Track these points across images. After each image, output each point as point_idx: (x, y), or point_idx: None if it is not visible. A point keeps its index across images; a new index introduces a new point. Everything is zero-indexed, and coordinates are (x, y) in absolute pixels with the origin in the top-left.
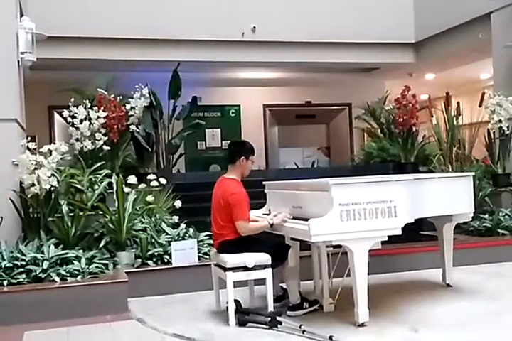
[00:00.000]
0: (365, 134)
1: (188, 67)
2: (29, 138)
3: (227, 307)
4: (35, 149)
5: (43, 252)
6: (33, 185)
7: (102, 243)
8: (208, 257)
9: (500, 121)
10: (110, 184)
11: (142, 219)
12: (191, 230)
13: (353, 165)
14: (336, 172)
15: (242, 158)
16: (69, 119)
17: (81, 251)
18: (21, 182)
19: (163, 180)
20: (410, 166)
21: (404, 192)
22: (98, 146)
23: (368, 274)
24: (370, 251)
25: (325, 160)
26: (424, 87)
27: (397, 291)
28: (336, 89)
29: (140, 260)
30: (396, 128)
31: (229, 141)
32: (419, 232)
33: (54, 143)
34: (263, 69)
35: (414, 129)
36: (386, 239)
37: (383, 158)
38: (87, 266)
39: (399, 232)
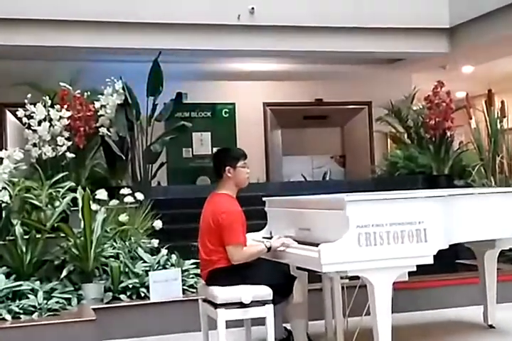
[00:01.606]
0: (389, 140)
1: (172, 56)
2: None
3: None
4: None
5: None
6: None
7: (64, 272)
8: (194, 291)
9: None
10: (75, 200)
11: (114, 244)
12: (174, 257)
13: (374, 178)
14: (353, 186)
15: (227, 168)
16: (24, 120)
17: (38, 282)
18: None
19: (139, 196)
20: (444, 179)
21: (437, 212)
22: (60, 153)
23: (392, 312)
24: (394, 283)
25: (339, 172)
26: (460, 83)
27: (427, 334)
28: (353, 84)
29: (111, 294)
30: (426, 132)
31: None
32: (454, 261)
33: (6, 150)
34: (263, 59)
35: (448, 134)
36: (414, 269)
37: (411, 170)
38: (45, 301)
39: (430, 261)
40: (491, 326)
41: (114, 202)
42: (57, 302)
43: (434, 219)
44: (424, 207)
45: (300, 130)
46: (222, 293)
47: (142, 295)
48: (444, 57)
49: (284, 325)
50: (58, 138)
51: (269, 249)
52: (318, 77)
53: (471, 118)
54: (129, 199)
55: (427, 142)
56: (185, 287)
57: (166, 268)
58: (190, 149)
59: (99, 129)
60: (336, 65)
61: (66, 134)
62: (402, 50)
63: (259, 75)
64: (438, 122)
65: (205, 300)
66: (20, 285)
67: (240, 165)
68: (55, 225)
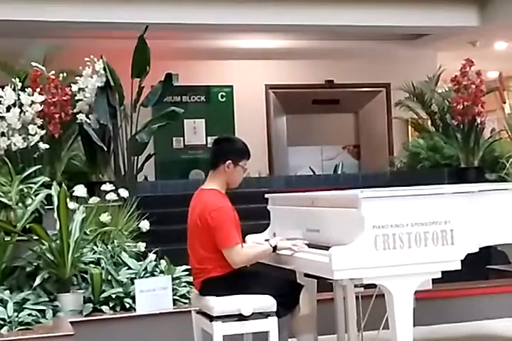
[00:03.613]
0: (410, 127)
1: (160, 32)
2: None
3: None
4: None
5: None
6: None
7: (38, 281)
8: (187, 301)
9: None
10: (49, 197)
11: (94, 247)
12: (163, 263)
13: (393, 172)
14: (369, 181)
15: (228, 162)
16: None
17: (7, 292)
18: None
19: (124, 192)
20: (473, 173)
21: (466, 210)
22: (32, 144)
23: (414, 325)
24: (416, 292)
25: (353, 164)
26: (492, 61)
27: None
28: (369, 63)
29: (91, 305)
30: (453, 119)
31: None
32: (485, 266)
33: None
34: (265, 35)
35: (478, 121)
36: (439, 275)
37: (435, 162)
38: (15, 314)
39: (458, 266)
40: None
41: (95, 199)
42: (29, 314)
43: (463, 219)
44: (451, 204)
45: (308, 116)
46: (218, 304)
47: (127, 306)
48: (474, 32)
49: (289, 340)
50: (30, 127)
51: (274, 248)
52: (329, 55)
53: (504, 102)
54: (111, 196)
55: (454, 130)
56: (176, 297)
57: (154, 276)
58: (182, 139)
59: (77, 116)
60: (349, 41)
61: (39, 122)
62: (426, 24)
63: (260, 53)
64: (466, 107)
65: (199, 312)
66: None
67: (242, 163)
68: (27, 226)
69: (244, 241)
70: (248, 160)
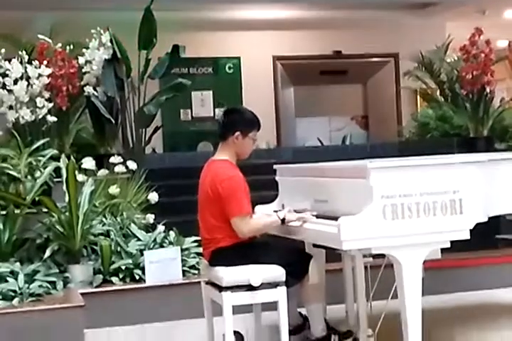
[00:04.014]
0: (419, 97)
1: (167, 3)
2: None
3: None
4: None
5: None
6: None
7: (48, 253)
8: (196, 272)
9: None
10: (58, 170)
11: (104, 220)
12: (172, 234)
13: (402, 142)
14: (378, 151)
15: (237, 133)
16: None
17: (18, 264)
18: None
19: (132, 165)
20: (483, 142)
21: (475, 179)
22: (40, 117)
23: (423, 295)
24: (425, 262)
25: (361, 135)
26: (502, 30)
27: (462, 319)
28: (377, 33)
29: (101, 276)
30: (462, 88)
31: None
32: (495, 236)
33: None
34: (272, 5)
35: (488, 90)
36: (448, 245)
37: (444, 132)
38: (26, 285)
39: (467, 236)
40: None
41: (103, 172)
42: (40, 286)
43: (472, 188)
44: (460, 174)
45: (315, 87)
46: (228, 275)
47: (137, 277)
48: (483, 1)
49: (298, 310)
50: (37, 99)
51: (282, 220)
52: (337, 25)
53: None
54: (120, 168)
55: (463, 99)
56: (185, 268)
57: (163, 247)
58: (190, 111)
59: (84, 88)
60: (357, 10)
61: (46, 95)
62: None
63: (267, 24)
64: (476, 76)
65: (208, 283)
66: None
67: (252, 135)
68: (36, 199)
69: (253, 211)
70: (258, 131)
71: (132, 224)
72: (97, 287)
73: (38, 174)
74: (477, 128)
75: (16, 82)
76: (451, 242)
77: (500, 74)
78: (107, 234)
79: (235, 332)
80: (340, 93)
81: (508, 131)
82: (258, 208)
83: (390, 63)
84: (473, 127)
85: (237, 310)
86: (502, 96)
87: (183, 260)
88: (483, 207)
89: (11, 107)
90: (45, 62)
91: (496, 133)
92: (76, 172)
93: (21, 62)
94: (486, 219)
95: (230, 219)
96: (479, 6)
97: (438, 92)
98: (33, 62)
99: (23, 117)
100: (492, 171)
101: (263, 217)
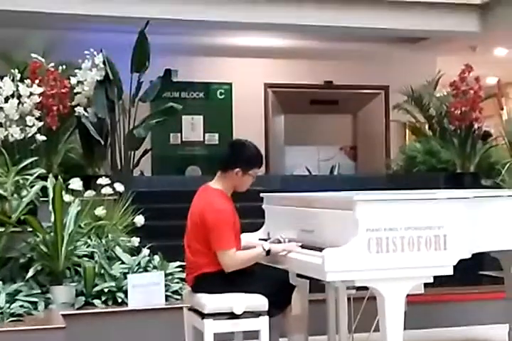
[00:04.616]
0: (407, 131)
1: (161, 27)
2: None
3: None
4: None
5: None
6: None
7: (31, 272)
8: (179, 297)
9: None
10: (45, 189)
11: (88, 241)
12: (157, 258)
13: (389, 174)
14: (365, 183)
15: (237, 170)
16: None
17: (0, 283)
18: None
19: (119, 187)
20: (469, 178)
21: (460, 216)
22: (29, 135)
23: (405, 329)
24: (407, 296)
25: (349, 166)
26: (491, 67)
27: None
28: (368, 65)
29: (83, 298)
30: (451, 123)
31: (216, 134)
32: (478, 272)
33: None
34: (266, 33)
35: (476, 126)
36: (431, 280)
37: (431, 166)
38: (7, 305)
39: (450, 272)
40: None
41: (90, 193)
42: (21, 306)
43: (456, 224)
44: (445, 209)
45: (306, 116)
46: (210, 302)
47: (119, 300)
48: (474, 37)
49: (280, 339)
50: (28, 118)
51: (267, 252)
52: (329, 56)
53: (502, 109)
54: (107, 190)
55: (451, 134)
56: (168, 293)
57: (147, 271)
58: (179, 135)
59: (75, 109)
60: (349, 42)
61: (37, 113)
62: (426, 28)
63: (260, 52)
64: (464, 112)
65: (190, 309)
66: None
67: (252, 172)
68: (22, 218)
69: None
70: (260, 168)
71: (117, 247)
72: (78, 309)
73: (24, 193)
74: (464, 163)
75: (6, 99)
76: (434, 277)
77: (489, 110)
78: (91, 256)
79: None
80: (330, 123)
81: (494, 168)
82: (243, 236)
83: (380, 95)
84: (460, 163)
85: (219, 337)
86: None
87: (166, 285)
88: (467, 244)
89: (0, 125)
90: (36, 81)
91: (483, 169)
92: (63, 192)
93: (13, 80)
94: (469, 256)
95: (216, 252)
96: (470, 43)
97: (426, 126)
98: (24, 80)
99: (12, 135)
100: (477, 208)
101: (248, 251)
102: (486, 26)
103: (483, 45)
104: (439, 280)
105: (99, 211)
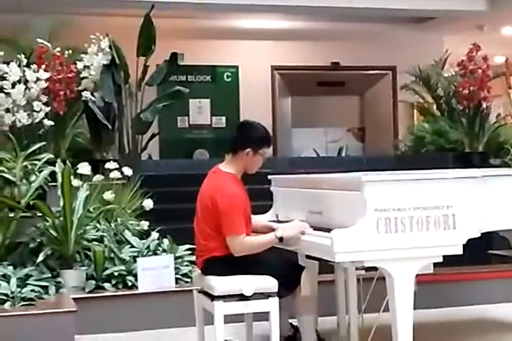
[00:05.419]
0: (415, 111)
1: (166, 10)
2: None
3: None
4: None
5: None
6: None
7: (41, 257)
8: (188, 280)
9: None
10: (53, 174)
11: (98, 225)
12: (166, 242)
13: (397, 155)
14: (373, 164)
15: (248, 150)
16: None
17: (10, 267)
18: None
19: (127, 171)
20: (478, 158)
21: (468, 195)
22: (37, 120)
23: (414, 308)
24: (417, 276)
25: (357, 147)
26: (499, 46)
27: (453, 334)
28: (375, 46)
29: (93, 282)
30: (459, 103)
31: (223, 117)
32: (487, 251)
33: None
34: (272, 15)
35: (484, 105)
36: (441, 260)
37: (440, 146)
38: (18, 289)
39: (459, 251)
40: None
41: (99, 177)
42: (32, 290)
43: (465, 204)
44: (454, 189)
45: (313, 98)
46: (220, 284)
47: (129, 284)
48: (482, 17)
49: (290, 320)
50: (35, 103)
51: (280, 239)
52: (335, 37)
53: (510, 88)
54: (115, 174)
55: (459, 114)
56: (178, 276)
57: (156, 254)
58: (187, 118)
59: (82, 93)
60: (356, 23)
61: (44, 98)
62: (433, 8)
63: (266, 34)
64: (472, 91)
65: (200, 291)
66: None
67: (262, 152)
68: (31, 203)
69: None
70: (269, 148)
71: (126, 231)
72: (89, 292)
73: (33, 178)
74: (472, 143)
75: (13, 85)
76: (444, 257)
77: (497, 90)
78: (100, 240)
79: None
80: (337, 104)
81: (503, 147)
82: (254, 217)
83: (387, 76)
84: (468, 142)
85: (229, 319)
86: (498, 112)
87: (176, 268)
88: (476, 223)
89: (7, 110)
90: (43, 66)
91: (491, 148)
92: (71, 177)
93: (19, 66)
94: (478, 235)
95: (226, 236)
96: (478, 22)
97: (434, 106)
98: (31, 65)
99: (19, 120)
100: (486, 187)
101: (259, 237)
102: (493, 5)
103: (490, 24)
104: (449, 260)
105: (108, 195)
